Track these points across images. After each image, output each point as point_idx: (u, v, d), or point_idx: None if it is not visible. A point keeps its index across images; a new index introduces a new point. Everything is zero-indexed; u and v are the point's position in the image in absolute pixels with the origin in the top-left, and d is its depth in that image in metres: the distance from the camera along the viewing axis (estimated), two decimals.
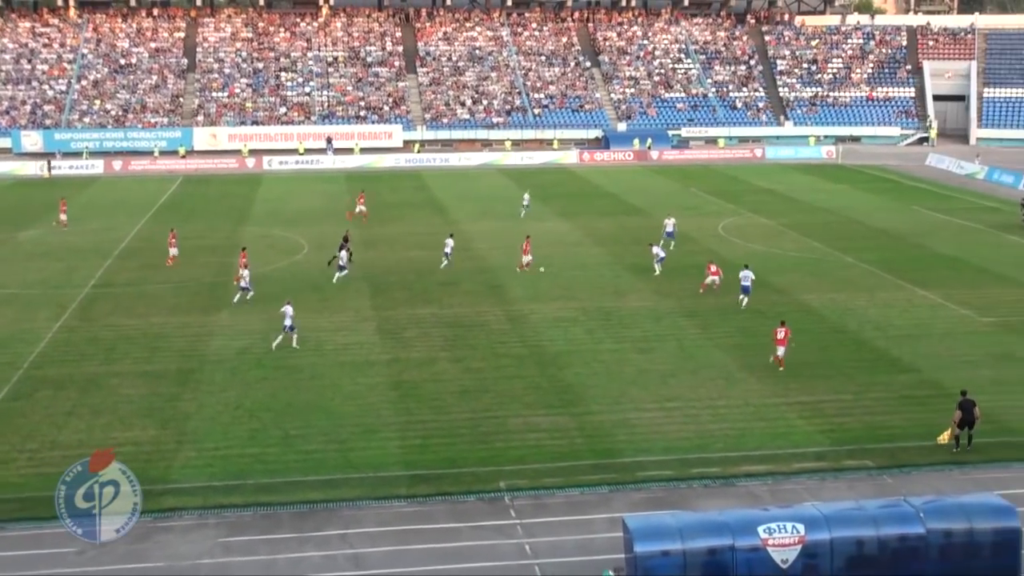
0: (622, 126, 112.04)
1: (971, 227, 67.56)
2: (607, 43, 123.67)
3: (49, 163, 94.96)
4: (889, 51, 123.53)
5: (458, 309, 47.67)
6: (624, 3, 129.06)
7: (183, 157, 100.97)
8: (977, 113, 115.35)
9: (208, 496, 28.98)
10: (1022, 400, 35.94)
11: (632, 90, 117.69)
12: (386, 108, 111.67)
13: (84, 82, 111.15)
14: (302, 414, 34.99)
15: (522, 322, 45.61)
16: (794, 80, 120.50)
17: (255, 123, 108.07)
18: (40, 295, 50.55)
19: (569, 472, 30.62)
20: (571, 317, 46.24)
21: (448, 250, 55.70)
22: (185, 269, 55.53)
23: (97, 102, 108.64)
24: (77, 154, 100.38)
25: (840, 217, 71.08)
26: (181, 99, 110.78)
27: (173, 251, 56.91)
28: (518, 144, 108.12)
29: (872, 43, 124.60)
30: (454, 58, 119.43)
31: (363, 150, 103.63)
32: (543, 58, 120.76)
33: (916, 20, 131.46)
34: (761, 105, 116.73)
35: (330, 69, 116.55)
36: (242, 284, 48.86)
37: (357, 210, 70.06)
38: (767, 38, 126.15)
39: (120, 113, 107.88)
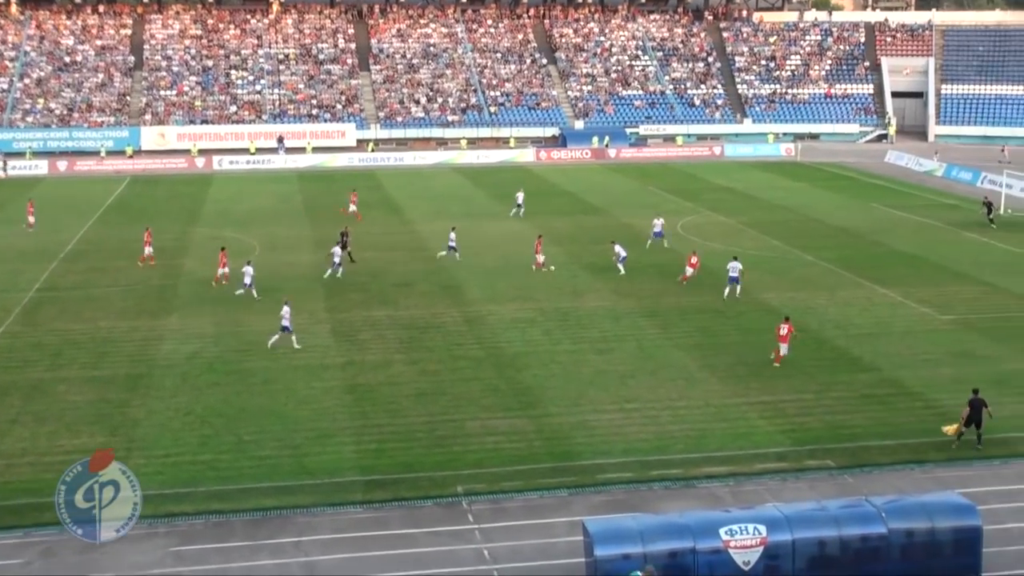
0: (579, 124, 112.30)
1: (930, 224, 68.32)
2: (563, 40, 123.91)
3: (5, 162, 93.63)
4: (847, 48, 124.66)
5: (414, 311, 47.58)
6: None
7: (130, 157, 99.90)
8: (935, 110, 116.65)
9: (159, 504, 28.62)
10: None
11: (589, 87, 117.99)
12: (339, 106, 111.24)
13: (27, 80, 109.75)
14: (255, 419, 34.77)
15: (479, 323, 45.59)
16: (752, 77, 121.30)
17: (205, 122, 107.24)
18: None
19: (528, 475, 30.63)
20: (529, 318, 46.28)
21: (452, 244, 56.94)
22: (134, 272, 54.99)
23: (41, 101, 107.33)
24: (20, 154, 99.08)
25: (799, 215, 71.65)
26: (128, 98, 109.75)
27: (148, 249, 56.67)
28: (474, 143, 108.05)
29: (830, 40, 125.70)
30: (408, 55, 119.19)
31: (316, 149, 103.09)
32: (499, 55, 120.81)
33: (874, 16, 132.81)
34: (719, 102, 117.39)
35: (281, 67, 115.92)
36: (245, 281, 49.42)
37: (351, 209, 69.82)
38: (725, 34, 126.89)
39: (65, 112, 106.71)
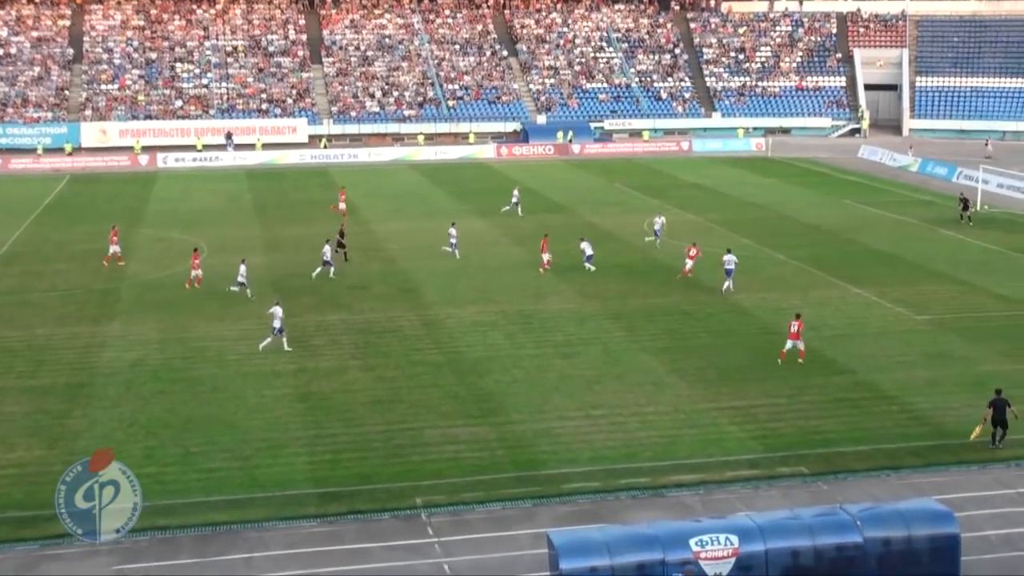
0: (542, 118, 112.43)
1: (905, 221, 68.89)
2: (525, 31, 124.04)
3: None
4: (819, 39, 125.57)
5: (369, 314, 47.44)
6: None
7: (70, 154, 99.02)
8: (910, 103, 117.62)
9: None
10: (958, 401, 36.55)
11: (552, 80, 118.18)
12: (290, 101, 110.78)
13: None
14: (203, 430, 34.54)
15: (438, 327, 45.51)
16: (721, 69, 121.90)
17: (148, 117, 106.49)
18: None
19: (490, 486, 30.59)
20: (490, 321, 46.25)
21: (454, 240, 57.59)
22: (73, 275, 54.54)
23: None
24: None
25: (770, 212, 72.06)
26: (67, 92, 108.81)
27: (114, 248, 56.31)
28: (431, 138, 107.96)
29: (801, 31, 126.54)
30: (362, 47, 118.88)
31: (266, 146, 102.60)
32: (457, 47, 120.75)
33: (846, 6, 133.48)
34: (687, 96, 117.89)
35: (229, 59, 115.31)
36: (239, 279, 49.57)
37: (340, 207, 69.55)
38: (692, 25, 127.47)
39: None
